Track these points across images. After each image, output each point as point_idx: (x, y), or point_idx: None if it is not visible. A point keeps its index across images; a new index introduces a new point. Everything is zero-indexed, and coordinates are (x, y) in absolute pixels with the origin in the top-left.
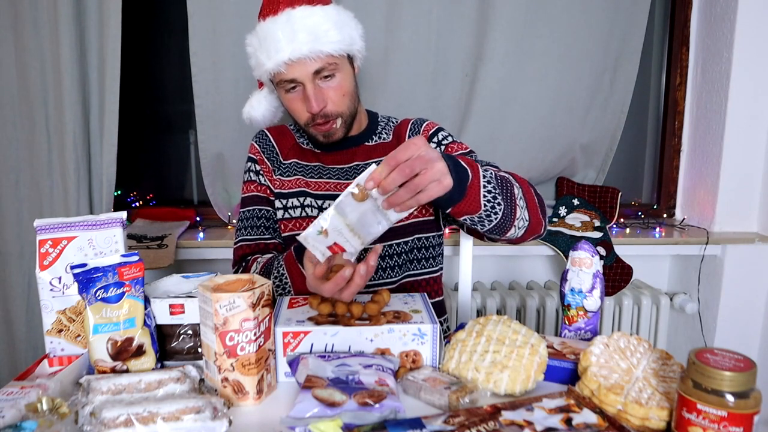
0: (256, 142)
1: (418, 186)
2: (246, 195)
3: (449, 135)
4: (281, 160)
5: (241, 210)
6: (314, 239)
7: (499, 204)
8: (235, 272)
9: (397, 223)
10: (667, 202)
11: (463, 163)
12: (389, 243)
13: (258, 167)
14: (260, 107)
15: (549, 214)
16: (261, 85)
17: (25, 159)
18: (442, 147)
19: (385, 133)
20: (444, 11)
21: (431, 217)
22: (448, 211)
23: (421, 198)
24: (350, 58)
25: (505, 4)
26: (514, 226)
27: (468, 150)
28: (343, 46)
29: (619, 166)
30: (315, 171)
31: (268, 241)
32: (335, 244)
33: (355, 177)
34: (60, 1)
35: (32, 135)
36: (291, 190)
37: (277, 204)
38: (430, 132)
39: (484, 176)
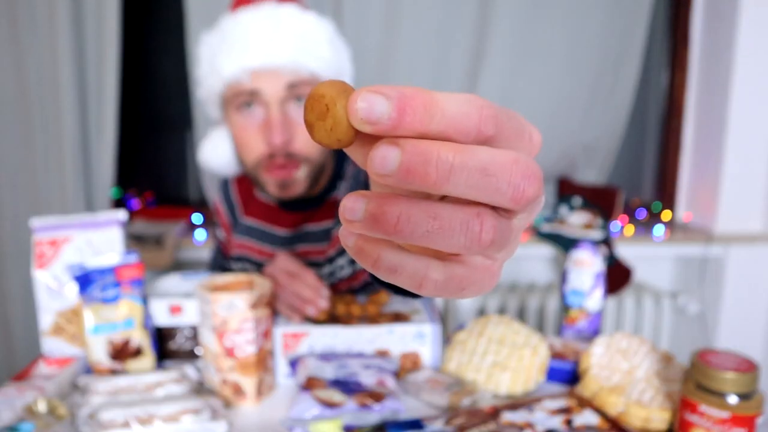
0: (218, 193)
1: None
2: (217, 231)
3: None
4: (241, 215)
5: (215, 237)
6: None
7: None
8: None
9: None
10: (668, 201)
11: None
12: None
13: (219, 221)
14: (221, 149)
15: (549, 214)
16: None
17: (23, 158)
18: None
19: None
20: (444, 11)
21: None
22: None
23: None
24: None
25: (506, 3)
26: None
27: None
28: (332, 69)
29: (621, 165)
30: (267, 237)
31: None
32: None
33: (298, 246)
34: None
35: (30, 134)
36: (239, 254)
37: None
38: None
39: None
